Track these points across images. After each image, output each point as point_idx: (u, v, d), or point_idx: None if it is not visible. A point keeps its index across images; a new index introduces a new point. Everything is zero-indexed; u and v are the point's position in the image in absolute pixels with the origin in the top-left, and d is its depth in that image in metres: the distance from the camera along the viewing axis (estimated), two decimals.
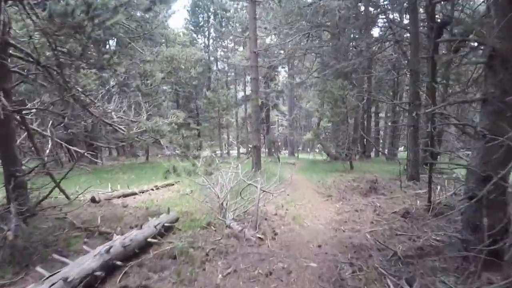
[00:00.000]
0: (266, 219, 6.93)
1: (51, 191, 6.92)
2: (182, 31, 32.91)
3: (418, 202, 8.29)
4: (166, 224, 6.05)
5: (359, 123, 22.13)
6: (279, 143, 37.86)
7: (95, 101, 7.69)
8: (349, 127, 17.02)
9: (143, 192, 10.23)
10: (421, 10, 13.94)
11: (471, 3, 14.12)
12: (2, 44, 5.48)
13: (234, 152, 35.07)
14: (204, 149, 7.17)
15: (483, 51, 4.08)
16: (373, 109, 26.91)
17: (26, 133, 8.12)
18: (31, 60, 6.14)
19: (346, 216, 7.43)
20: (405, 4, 14.87)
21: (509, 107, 3.56)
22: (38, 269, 3.97)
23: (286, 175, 12.69)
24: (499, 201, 3.79)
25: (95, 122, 9.09)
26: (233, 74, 37.37)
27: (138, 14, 20.66)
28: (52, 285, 3.39)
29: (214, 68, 35.56)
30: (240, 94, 37.87)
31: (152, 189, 10.66)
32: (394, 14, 18.06)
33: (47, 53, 6.21)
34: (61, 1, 4.90)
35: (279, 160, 21.10)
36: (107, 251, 4.27)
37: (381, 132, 32.20)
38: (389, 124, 26.72)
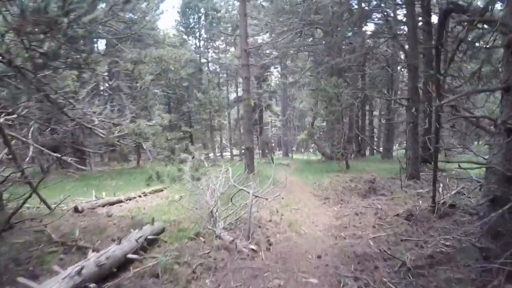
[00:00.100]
0: (260, 226, 6.42)
1: (24, 202, 6.33)
2: (172, 32, 32.47)
3: (420, 202, 7.82)
4: (149, 237, 5.50)
5: (354, 121, 21.76)
6: (273, 144, 37.44)
7: (75, 103, 7.15)
8: (344, 126, 16.57)
9: (130, 200, 9.70)
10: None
11: None
12: None
13: (227, 155, 34.63)
14: (191, 152, 6.58)
15: (503, 34, 3.58)
16: (367, 107, 26.59)
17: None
18: (3, 61, 5.62)
19: (346, 221, 6.92)
20: None
21: None
22: None
23: (281, 177, 12.17)
24: None
25: (73, 125, 8.51)
26: (225, 75, 36.88)
27: (127, 15, 20.29)
28: None
29: (206, 69, 35.02)
30: (233, 96, 37.36)
31: (140, 196, 10.12)
32: (390, 9, 17.63)
33: (23, 54, 5.70)
34: None
35: (272, 162, 20.60)
36: (78, 272, 3.71)
37: (375, 130, 31.92)
38: (383, 121, 26.37)
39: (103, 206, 8.73)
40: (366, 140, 24.83)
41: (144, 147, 6.54)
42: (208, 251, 5.08)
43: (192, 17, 34.21)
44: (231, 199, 6.90)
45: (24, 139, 8.93)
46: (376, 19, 18.57)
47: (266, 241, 5.61)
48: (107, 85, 18.13)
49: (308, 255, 5.05)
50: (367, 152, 27.15)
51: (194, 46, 34.46)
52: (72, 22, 5.68)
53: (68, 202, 8.03)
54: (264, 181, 7.90)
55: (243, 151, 19.54)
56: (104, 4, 6.90)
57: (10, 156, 8.31)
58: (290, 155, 32.49)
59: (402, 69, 22.95)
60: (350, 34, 20.79)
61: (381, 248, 5.09)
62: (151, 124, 7.39)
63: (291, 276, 4.25)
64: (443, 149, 8.36)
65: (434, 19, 15.01)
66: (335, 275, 4.29)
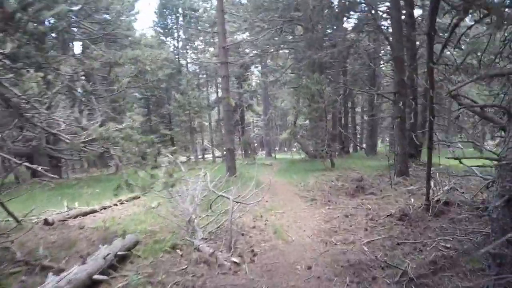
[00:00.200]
0: (242, 234, 5.85)
1: None
2: (150, 33, 31.72)
3: (412, 200, 7.43)
4: (120, 253, 4.85)
5: (337, 118, 21.44)
6: (256, 144, 36.98)
7: (39, 107, 6.45)
8: (328, 123, 16.16)
9: (105, 209, 9.01)
10: None
11: None
12: None
13: (209, 157, 34.01)
14: (166, 156, 5.96)
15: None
16: (349, 104, 26.37)
17: None
18: None
19: (336, 224, 6.40)
20: None
21: None
22: None
23: (264, 179, 11.63)
24: None
25: (38, 132, 7.77)
26: (205, 76, 36.18)
27: (102, 16, 19.47)
28: None
29: (185, 70, 34.26)
30: (213, 96, 36.71)
31: (116, 204, 9.43)
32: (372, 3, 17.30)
33: None
34: None
35: (255, 162, 20.07)
36: None
37: (358, 127, 31.81)
38: (366, 118, 26.18)
39: (76, 217, 8.06)
40: (350, 137, 24.55)
41: (112, 153, 5.86)
42: (186, 266, 4.52)
43: (170, 17, 33.44)
44: (211, 205, 6.32)
45: None
46: (360, 11, 18.17)
47: (250, 251, 5.04)
48: (80, 88, 17.27)
49: (296, 266, 4.51)
50: (351, 149, 26.93)
51: (173, 47, 33.69)
52: (32, 17, 5.06)
53: (40, 213, 7.34)
54: (247, 183, 7.37)
55: (224, 152, 18.96)
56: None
57: None
58: (273, 155, 32.07)
59: (385, 64, 22.80)
60: (330, 31, 20.46)
61: (377, 255, 4.60)
62: (121, 127, 6.75)
63: None
64: (438, 143, 7.93)
65: (417, 12, 14.83)
66: None
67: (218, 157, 31.41)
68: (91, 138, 6.27)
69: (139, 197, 10.25)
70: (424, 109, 14.20)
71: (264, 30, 20.26)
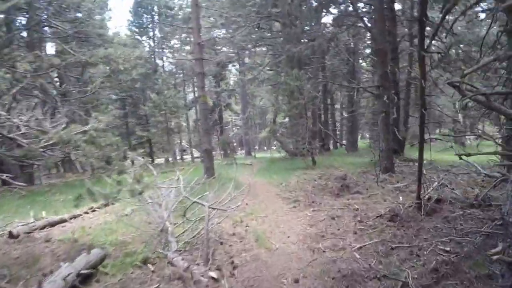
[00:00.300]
0: (221, 242, 5.28)
1: None
2: (125, 32, 30.82)
3: (401, 198, 7.04)
4: (84, 271, 4.20)
5: (317, 115, 21.12)
6: (235, 144, 36.45)
7: None
8: (308, 120, 15.74)
9: (75, 218, 8.24)
10: None
11: None
12: None
13: (188, 157, 33.29)
14: (133, 159, 5.34)
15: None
16: (328, 101, 26.15)
17: None
18: None
19: (322, 227, 5.90)
20: None
21: None
22: None
23: (244, 180, 11.06)
24: None
25: None
26: (181, 75, 35.35)
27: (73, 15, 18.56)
28: None
29: (161, 70, 33.38)
30: (190, 96, 35.94)
31: (87, 212, 8.68)
32: None
33: None
34: None
35: (235, 162, 19.49)
36: None
37: (337, 124, 31.72)
38: (346, 114, 26.04)
39: (43, 228, 7.31)
40: (331, 134, 24.29)
41: (73, 158, 5.21)
42: (158, 284, 3.95)
43: (145, 16, 32.53)
44: (185, 212, 5.73)
45: None
46: (339, 4, 17.85)
47: (230, 263, 4.48)
48: (55, 91, 16.33)
49: (282, 280, 3.98)
50: (331, 146, 26.72)
51: (148, 46, 32.80)
52: None
53: (6, 224, 6.76)
54: (226, 185, 6.79)
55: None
56: None
57: None
58: (252, 154, 31.61)
59: (364, 59, 22.65)
60: (309, 28, 20.12)
61: (371, 263, 4.14)
62: (86, 129, 6.08)
63: None
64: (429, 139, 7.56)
65: (397, 6, 14.60)
66: None
67: (197, 157, 30.80)
68: (51, 142, 5.63)
69: (113, 203, 9.56)
70: (406, 103, 13.99)
71: (241, 27, 19.74)
